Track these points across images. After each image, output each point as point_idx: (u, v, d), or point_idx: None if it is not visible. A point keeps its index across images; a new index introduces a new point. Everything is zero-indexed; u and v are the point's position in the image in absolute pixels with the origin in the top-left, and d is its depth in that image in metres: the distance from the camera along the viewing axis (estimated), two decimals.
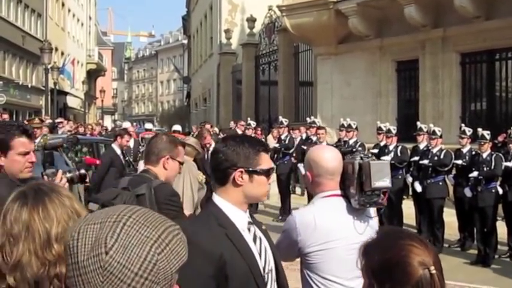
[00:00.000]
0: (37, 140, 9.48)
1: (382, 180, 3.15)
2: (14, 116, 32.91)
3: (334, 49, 18.25)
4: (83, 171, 3.26)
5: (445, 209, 10.72)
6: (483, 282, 8.73)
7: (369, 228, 3.16)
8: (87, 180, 3.26)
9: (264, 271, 2.57)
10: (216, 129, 20.08)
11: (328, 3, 17.07)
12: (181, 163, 4.05)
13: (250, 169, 2.56)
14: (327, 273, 3.05)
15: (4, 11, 34.21)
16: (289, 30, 19.15)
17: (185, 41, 63.13)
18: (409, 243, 1.64)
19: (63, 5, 48.87)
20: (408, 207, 11.81)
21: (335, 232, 3.06)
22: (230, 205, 2.58)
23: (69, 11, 51.43)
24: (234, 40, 30.89)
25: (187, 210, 7.42)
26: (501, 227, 10.19)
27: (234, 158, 2.56)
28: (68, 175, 3.25)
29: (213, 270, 2.39)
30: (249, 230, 2.62)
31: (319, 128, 13.34)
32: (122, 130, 10.96)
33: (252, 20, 27.88)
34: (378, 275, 1.65)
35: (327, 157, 3.15)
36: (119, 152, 9.99)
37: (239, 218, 2.59)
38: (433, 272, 1.60)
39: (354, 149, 3.40)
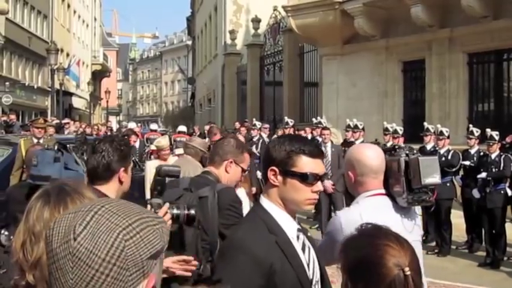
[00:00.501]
0: (41, 140, 9.45)
1: (431, 176, 3.04)
2: (21, 117, 33.01)
3: (340, 49, 18.19)
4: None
5: (452, 211, 10.63)
6: (491, 284, 8.63)
7: (416, 226, 3.08)
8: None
9: (312, 283, 2.47)
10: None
11: (333, 4, 17.00)
12: (244, 170, 3.98)
13: (283, 169, 2.44)
14: None
15: (11, 13, 34.28)
16: (294, 30, 19.10)
17: (189, 42, 63.15)
18: (384, 242, 1.60)
19: (68, 6, 49.10)
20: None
21: None
22: (278, 210, 2.48)
23: (74, 12, 51.68)
24: (239, 41, 30.86)
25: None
26: (510, 229, 10.10)
27: (272, 155, 2.46)
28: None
29: (262, 280, 2.29)
30: (297, 238, 2.50)
31: (324, 128, 13.25)
32: (129, 130, 10.89)
33: (256, 21, 27.84)
34: (352, 273, 1.64)
35: (371, 155, 3.04)
36: None
37: (288, 224, 2.48)
38: (408, 273, 1.55)
39: (397, 147, 3.27)
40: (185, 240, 3.22)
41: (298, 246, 2.47)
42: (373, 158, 3.02)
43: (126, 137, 10.01)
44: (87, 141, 9.59)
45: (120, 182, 3.16)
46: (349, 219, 2.89)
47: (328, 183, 10.90)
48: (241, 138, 11.79)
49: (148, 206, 3.00)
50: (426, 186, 3.02)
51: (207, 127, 16.79)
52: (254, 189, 11.75)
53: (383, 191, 3.04)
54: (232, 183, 3.99)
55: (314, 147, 2.52)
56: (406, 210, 3.06)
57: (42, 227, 1.74)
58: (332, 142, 12.15)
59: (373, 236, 1.67)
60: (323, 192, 10.64)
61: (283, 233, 2.43)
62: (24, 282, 1.74)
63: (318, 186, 2.47)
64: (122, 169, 3.16)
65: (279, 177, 2.45)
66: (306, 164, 2.44)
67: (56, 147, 4.84)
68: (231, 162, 3.86)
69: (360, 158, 3.03)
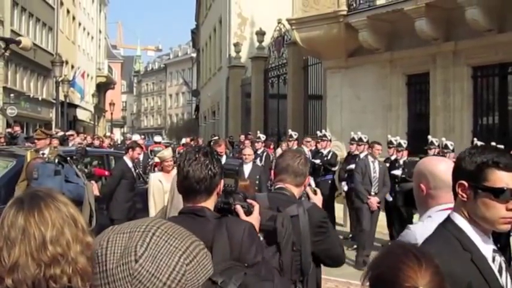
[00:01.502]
0: (46, 152, 9.43)
1: None
2: (25, 129, 33.09)
3: (344, 62, 18.22)
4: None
5: None
6: None
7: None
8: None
9: None
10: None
11: (338, 17, 17.04)
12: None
13: (473, 184, 2.26)
14: None
15: (16, 25, 34.49)
16: (298, 43, 19.14)
17: (194, 55, 63.38)
18: (403, 261, 1.60)
19: (73, 18, 49.37)
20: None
21: None
22: (471, 227, 2.32)
23: (79, 24, 51.94)
24: (243, 53, 30.95)
25: None
26: None
27: (461, 168, 2.31)
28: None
29: None
30: (493, 259, 2.32)
31: (321, 139, 13.40)
32: (134, 143, 10.92)
33: (261, 34, 27.93)
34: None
35: (445, 169, 2.94)
36: (130, 164, 9.94)
37: (483, 244, 2.31)
38: None
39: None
40: (283, 264, 3.17)
41: (494, 268, 2.31)
42: (447, 171, 2.91)
43: (130, 149, 10.02)
44: (87, 154, 9.61)
45: (218, 195, 2.92)
46: (424, 233, 2.81)
47: (374, 200, 10.51)
48: (249, 151, 11.73)
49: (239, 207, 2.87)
50: None
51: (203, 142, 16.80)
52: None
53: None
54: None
55: (510, 159, 2.28)
56: None
57: (17, 233, 1.76)
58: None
59: (394, 254, 1.66)
60: (367, 210, 10.53)
61: (479, 252, 2.29)
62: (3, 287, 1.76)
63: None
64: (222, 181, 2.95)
65: (469, 192, 2.30)
66: (500, 178, 2.23)
67: (56, 160, 4.84)
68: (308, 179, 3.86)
69: (433, 171, 2.96)
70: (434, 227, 2.78)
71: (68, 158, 7.61)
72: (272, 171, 13.01)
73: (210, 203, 2.83)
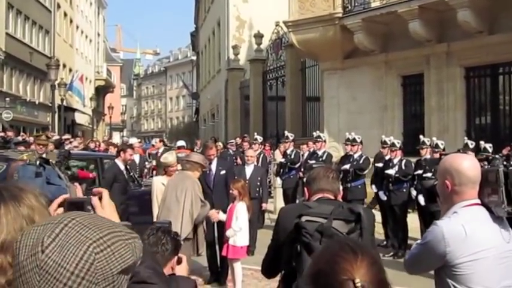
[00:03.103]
0: (44, 155, 9.63)
1: None
2: (22, 133, 32.91)
3: (341, 64, 18.39)
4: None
5: None
6: None
7: None
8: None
9: None
10: (221, 144, 20.41)
11: (333, 19, 17.25)
12: None
13: None
14: (477, 284, 2.92)
15: (11, 28, 34.20)
16: (295, 45, 19.33)
17: (194, 57, 63.48)
18: (338, 253, 1.62)
19: (71, 21, 49.09)
20: (413, 221, 11.85)
21: (485, 241, 2.95)
22: None
23: (77, 27, 51.65)
24: (242, 56, 31.11)
25: (188, 225, 7.53)
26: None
27: None
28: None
29: None
30: None
31: (316, 140, 13.62)
32: (125, 145, 10.98)
33: (259, 36, 28.10)
34: (309, 283, 1.65)
35: (469, 166, 3.06)
36: (122, 167, 9.88)
37: None
38: (358, 284, 1.53)
39: (491, 157, 3.34)
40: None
41: None
42: (471, 168, 3.06)
43: (121, 151, 10.01)
44: (71, 156, 9.63)
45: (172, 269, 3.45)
46: (452, 229, 2.94)
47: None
48: (252, 152, 11.95)
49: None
50: None
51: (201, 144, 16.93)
52: (265, 205, 11.83)
53: (478, 201, 3.07)
54: None
55: None
56: (500, 220, 3.06)
57: None
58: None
59: (330, 249, 1.69)
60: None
61: None
62: None
63: None
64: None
65: None
66: None
67: (38, 162, 4.89)
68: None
69: (458, 167, 3.04)
70: (460, 222, 2.95)
71: (50, 160, 7.67)
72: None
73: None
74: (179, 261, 3.53)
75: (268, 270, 3.73)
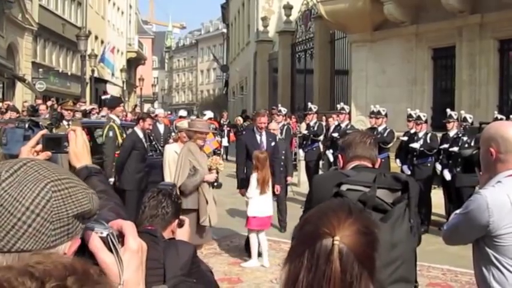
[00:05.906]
0: (70, 123, 9.60)
1: None
2: (55, 104, 33.32)
3: (370, 36, 17.99)
4: None
5: None
6: None
7: None
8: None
9: None
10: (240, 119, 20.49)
11: None
12: None
13: None
14: None
15: (44, 0, 34.67)
16: (324, 17, 18.94)
17: (225, 30, 63.23)
18: (333, 208, 1.55)
19: None
20: (439, 197, 11.52)
21: None
22: None
23: None
24: (271, 28, 30.81)
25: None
26: None
27: None
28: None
29: None
30: None
31: (340, 112, 13.45)
32: (145, 113, 10.95)
33: (288, 8, 27.74)
34: (297, 228, 1.60)
35: None
36: (141, 135, 9.89)
37: None
38: (336, 243, 1.44)
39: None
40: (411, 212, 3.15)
41: None
42: None
43: (141, 120, 10.02)
44: (63, 119, 9.75)
45: (173, 233, 3.44)
46: (496, 198, 2.83)
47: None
48: (274, 125, 11.71)
49: None
50: None
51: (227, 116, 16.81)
52: (290, 178, 11.37)
53: None
54: None
55: None
56: None
57: None
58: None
59: (331, 203, 1.65)
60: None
61: None
62: None
63: None
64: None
65: None
66: None
67: (27, 125, 4.85)
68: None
69: (505, 134, 2.92)
70: (505, 192, 2.82)
71: (41, 123, 7.60)
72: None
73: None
74: (180, 225, 3.50)
75: None
